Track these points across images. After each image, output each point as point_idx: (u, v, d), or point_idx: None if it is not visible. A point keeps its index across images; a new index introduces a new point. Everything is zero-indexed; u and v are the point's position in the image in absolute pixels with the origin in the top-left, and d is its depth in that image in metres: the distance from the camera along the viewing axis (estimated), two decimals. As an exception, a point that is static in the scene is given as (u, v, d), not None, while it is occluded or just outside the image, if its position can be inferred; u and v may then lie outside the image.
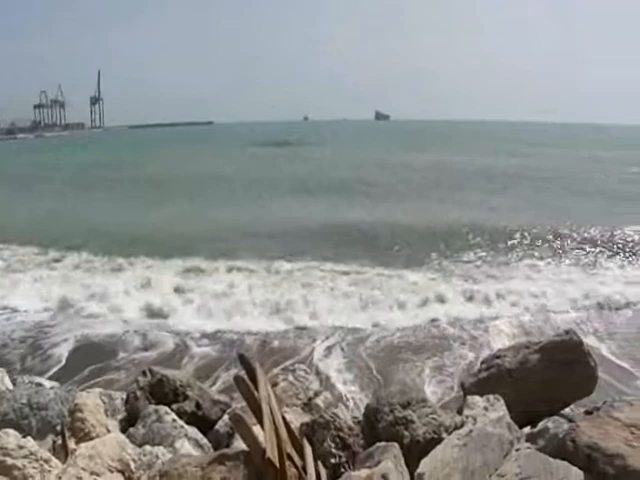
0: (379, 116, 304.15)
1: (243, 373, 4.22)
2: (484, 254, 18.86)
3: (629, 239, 20.27)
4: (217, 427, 5.68)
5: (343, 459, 4.68)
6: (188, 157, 58.78)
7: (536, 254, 18.84)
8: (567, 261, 18.24)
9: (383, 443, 4.60)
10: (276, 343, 11.75)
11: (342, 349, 11.37)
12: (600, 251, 19.18)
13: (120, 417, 5.90)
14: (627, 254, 18.86)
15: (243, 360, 4.33)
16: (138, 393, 5.93)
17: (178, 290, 14.76)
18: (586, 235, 20.88)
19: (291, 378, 6.16)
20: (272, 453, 3.49)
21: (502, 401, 5.15)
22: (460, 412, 5.33)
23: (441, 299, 14.10)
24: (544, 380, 5.73)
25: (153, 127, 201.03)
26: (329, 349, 11.40)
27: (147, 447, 4.53)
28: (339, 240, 20.13)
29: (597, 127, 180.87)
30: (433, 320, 12.88)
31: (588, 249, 19.43)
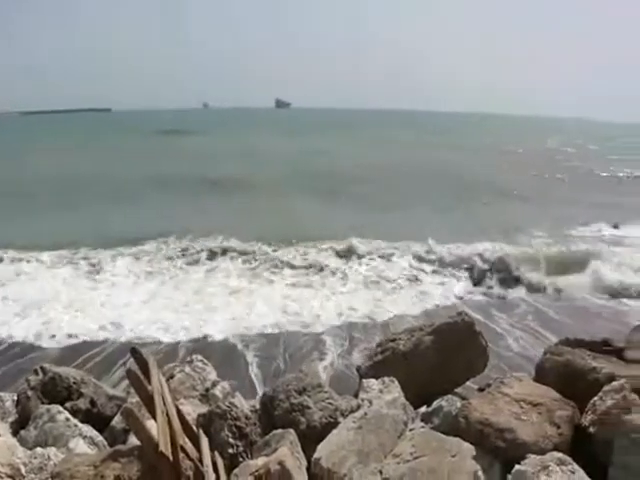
0: (280, 104, 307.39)
1: (137, 367, 4.18)
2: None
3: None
4: (113, 423, 5.59)
5: (240, 448, 4.73)
6: (51, 151, 53.92)
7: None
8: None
9: (280, 430, 4.69)
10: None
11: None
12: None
13: (11, 420, 5.68)
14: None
15: (135, 353, 4.27)
16: (29, 393, 5.74)
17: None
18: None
19: (188, 369, 6.12)
20: (165, 446, 3.46)
21: (397, 383, 5.34)
22: (356, 396, 5.49)
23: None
24: (438, 361, 5.99)
25: (49, 114, 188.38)
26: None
27: (38, 449, 4.38)
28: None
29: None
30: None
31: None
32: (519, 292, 14.50)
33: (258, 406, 5.45)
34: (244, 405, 5.28)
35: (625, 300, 13.87)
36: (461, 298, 14.02)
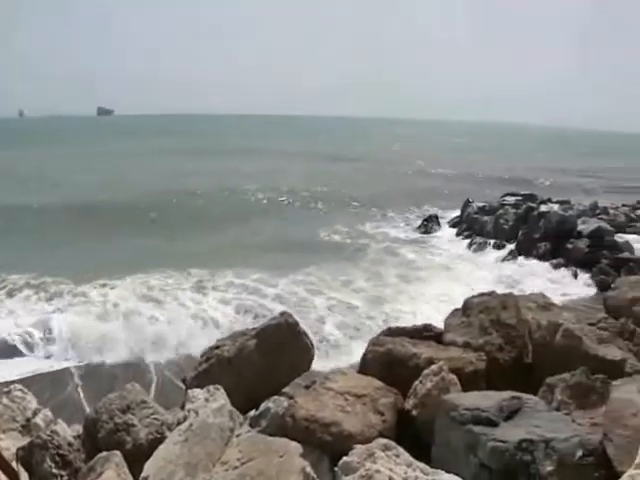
0: (101, 111, 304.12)
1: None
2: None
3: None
4: None
5: (65, 478, 4.57)
6: None
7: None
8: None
9: (104, 453, 4.58)
10: None
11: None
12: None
13: None
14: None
15: None
16: None
17: None
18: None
19: (5, 400, 5.74)
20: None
21: (222, 390, 5.35)
22: (183, 407, 5.45)
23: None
24: (263, 364, 6.07)
25: None
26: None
27: None
28: None
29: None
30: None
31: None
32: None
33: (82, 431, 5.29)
34: (67, 431, 5.10)
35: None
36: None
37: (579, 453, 3.68)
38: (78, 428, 5.53)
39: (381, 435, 4.29)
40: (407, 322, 8.26)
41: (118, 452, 4.58)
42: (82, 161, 50.90)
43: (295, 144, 74.07)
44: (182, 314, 14.63)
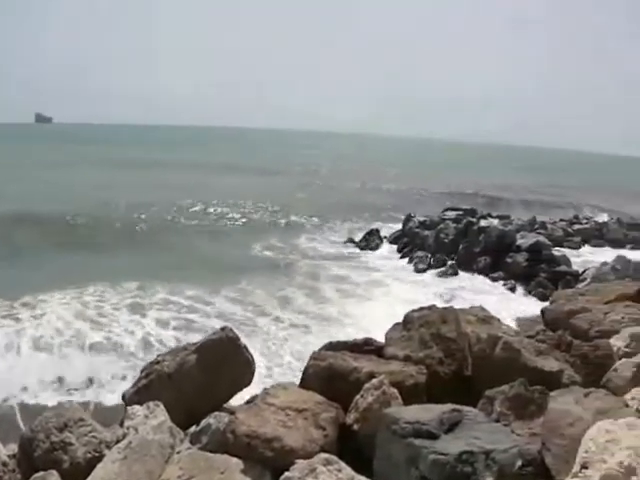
0: (40, 118, 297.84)
1: None
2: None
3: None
4: None
5: (1, 498, 4.47)
6: None
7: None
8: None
9: (41, 473, 4.50)
10: None
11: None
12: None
13: None
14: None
15: None
16: None
17: None
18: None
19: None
20: None
21: (162, 406, 5.28)
22: (122, 424, 5.36)
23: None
24: (204, 379, 6.00)
25: None
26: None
27: None
28: None
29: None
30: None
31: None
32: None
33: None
34: (1, 451, 4.99)
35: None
36: None
37: (518, 463, 3.76)
38: (13, 447, 5.40)
39: (323, 450, 4.30)
40: (349, 336, 8.29)
41: (55, 472, 4.51)
42: (6, 170, 49.09)
43: (223, 156, 73.34)
44: (122, 336, 14.33)
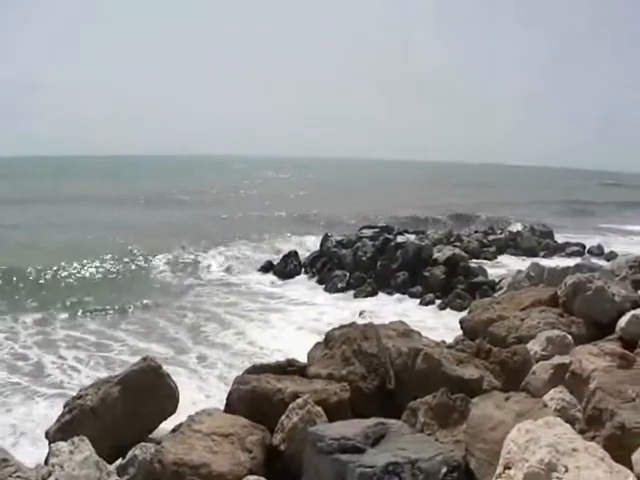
0: None
1: None
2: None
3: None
4: None
5: None
6: None
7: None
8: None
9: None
10: None
11: None
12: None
13: None
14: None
15: None
16: None
17: None
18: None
19: None
20: None
21: (87, 441, 5.22)
22: (47, 462, 5.25)
23: None
24: (128, 410, 5.97)
25: None
26: None
27: None
28: None
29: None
30: None
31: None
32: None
33: None
34: None
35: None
36: None
37: (443, 470, 3.92)
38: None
39: (251, 472, 4.38)
40: (271, 358, 8.38)
41: (-21, 516, 4.40)
42: None
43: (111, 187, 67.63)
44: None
